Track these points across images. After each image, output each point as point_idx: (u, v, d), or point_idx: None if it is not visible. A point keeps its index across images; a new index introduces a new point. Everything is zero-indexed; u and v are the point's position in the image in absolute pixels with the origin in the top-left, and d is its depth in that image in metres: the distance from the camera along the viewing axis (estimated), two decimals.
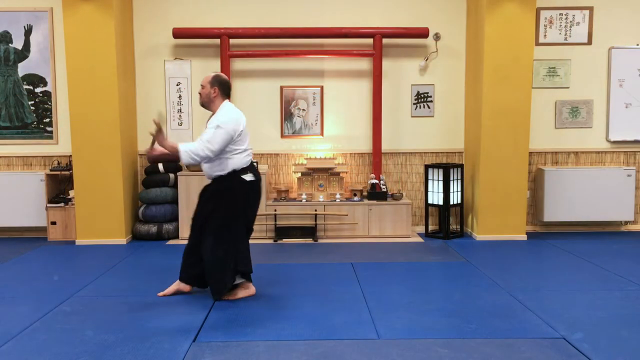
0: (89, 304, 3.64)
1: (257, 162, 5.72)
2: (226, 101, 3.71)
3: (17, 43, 5.85)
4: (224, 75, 3.77)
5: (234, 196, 3.62)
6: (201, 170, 5.64)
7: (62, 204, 5.67)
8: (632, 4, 5.88)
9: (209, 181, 3.73)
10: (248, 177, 3.66)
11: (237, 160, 3.63)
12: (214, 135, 3.52)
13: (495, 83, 5.40)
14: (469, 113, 5.90)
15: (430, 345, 2.92)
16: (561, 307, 3.51)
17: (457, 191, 5.71)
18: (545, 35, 5.88)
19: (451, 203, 5.65)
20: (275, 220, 5.61)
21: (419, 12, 5.94)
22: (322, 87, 6.00)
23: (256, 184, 3.73)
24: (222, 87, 3.70)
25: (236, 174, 3.62)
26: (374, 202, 5.68)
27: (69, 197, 5.70)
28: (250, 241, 5.55)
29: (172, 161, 3.55)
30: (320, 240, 5.60)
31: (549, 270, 4.46)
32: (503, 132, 5.44)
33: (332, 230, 5.70)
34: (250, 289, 3.77)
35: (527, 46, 5.39)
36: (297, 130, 6.04)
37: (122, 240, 5.48)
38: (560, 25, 5.87)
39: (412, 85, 5.99)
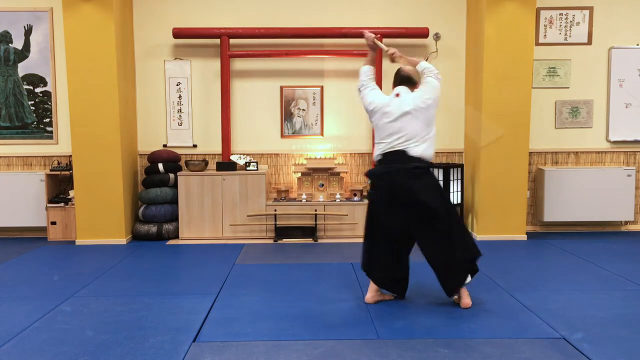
0: (89, 304, 3.64)
1: (256, 162, 5.75)
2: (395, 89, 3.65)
3: (17, 43, 5.85)
4: (399, 70, 3.72)
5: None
6: (202, 171, 5.68)
7: (62, 204, 5.67)
8: (632, 4, 5.88)
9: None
10: (375, 171, 3.60)
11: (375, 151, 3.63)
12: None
13: (495, 83, 5.40)
14: (469, 113, 5.89)
15: (430, 345, 2.92)
16: (561, 307, 3.50)
17: (457, 191, 5.71)
18: (545, 35, 5.88)
19: (451, 203, 5.64)
20: (275, 220, 5.61)
21: (419, 12, 5.94)
22: (322, 87, 6.00)
23: (381, 181, 3.55)
24: (394, 80, 3.71)
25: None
26: None
27: (69, 197, 5.70)
28: (251, 241, 5.60)
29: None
30: (320, 240, 5.60)
31: (549, 270, 4.46)
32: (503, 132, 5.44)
33: (332, 230, 5.70)
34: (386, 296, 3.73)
35: (527, 46, 5.39)
36: (297, 130, 6.04)
37: (122, 240, 5.47)
38: (560, 25, 5.87)
39: None
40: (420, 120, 3.47)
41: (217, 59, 5.88)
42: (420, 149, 3.46)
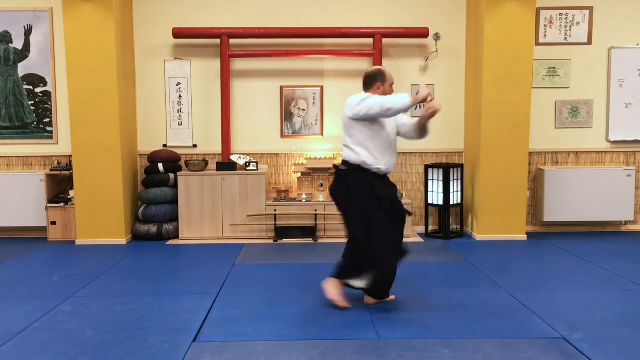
0: (89, 304, 3.64)
1: (256, 162, 5.75)
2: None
3: (17, 43, 5.85)
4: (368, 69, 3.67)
5: None
6: (202, 171, 5.68)
7: (62, 204, 5.67)
8: (632, 4, 5.88)
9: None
10: None
11: None
12: None
13: (495, 83, 5.40)
14: (469, 113, 5.90)
15: (430, 345, 2.92)
16: (561, 307, 3.51)
17: (457, 191, 5.71)
18: (545, 35, 5.88)
19: (451, 203, 5.65)
20: (275, 220, 5.61)
21: (419, 12, 5.94)
22: (322, 87, 6.00)
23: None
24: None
25: None
26: None
27: (69, 197, 5.71)
28: (251, 241, 5.60)
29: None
30: (320, 240, 5.60)
31: (549, 270, 4.46)
32: (503, 132, 5.44)
33: (332, 230, 5.70)
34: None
35: (527, 46, 5.39)
36: (297, 130, 6.04)
37: (122, 240, 5.47)
38: (560, 25, 5.87)
39: (412, 85, 5.98)
40: (343, 125, 3.55)
41: (217, 59, 5.89)
42: (345, 154, 3.55)
